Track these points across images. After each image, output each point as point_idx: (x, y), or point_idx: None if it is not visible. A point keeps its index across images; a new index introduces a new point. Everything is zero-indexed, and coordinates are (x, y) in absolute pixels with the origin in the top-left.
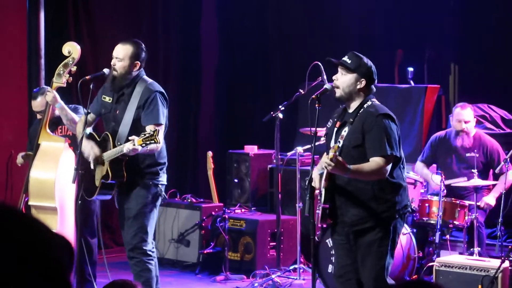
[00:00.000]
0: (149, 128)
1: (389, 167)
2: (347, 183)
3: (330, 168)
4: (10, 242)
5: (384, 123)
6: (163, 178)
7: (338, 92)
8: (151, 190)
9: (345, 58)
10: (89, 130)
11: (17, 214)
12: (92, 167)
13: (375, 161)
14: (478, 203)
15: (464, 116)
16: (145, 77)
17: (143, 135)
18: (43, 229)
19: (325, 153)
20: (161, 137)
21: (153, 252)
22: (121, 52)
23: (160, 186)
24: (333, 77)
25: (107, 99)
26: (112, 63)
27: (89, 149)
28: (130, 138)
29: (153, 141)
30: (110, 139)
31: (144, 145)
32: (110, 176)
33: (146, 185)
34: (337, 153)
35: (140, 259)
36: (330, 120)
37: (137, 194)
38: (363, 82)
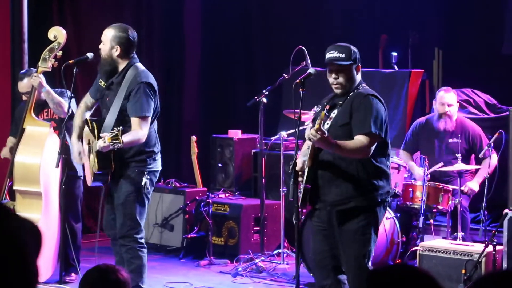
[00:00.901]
0: (134, 122)
1: (373, 146)
2: (332, 163)
3: (315, 139)
4: None
5: (372, 102)
6: (153, 165)
7: (341, 88)
8: (136, 178)
9: (336, 54)
10: (88, 114)
11: None
12: (91, 155)
13: (358, 139)
14: (461, 188)
15: (447, 100)
16: (138, 64)
17: (110, 133)
18: (8, 214)
19: (309, 126)
20: (145, 128)
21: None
22: (104, 36)
23: (146, 173)
24: (332, 77)
25: (102, 83)
26: (100, 46)
27: (76, 153)
28: (101, 135)
29: (117, 141)
30: (96, 129)
31: (111, 144)
32: (97, 167)
33: (131, 173)
34: (323, 123)
35: (131, 247)
36: (319, 105)
37: (122, 183)
38: (359, 68)
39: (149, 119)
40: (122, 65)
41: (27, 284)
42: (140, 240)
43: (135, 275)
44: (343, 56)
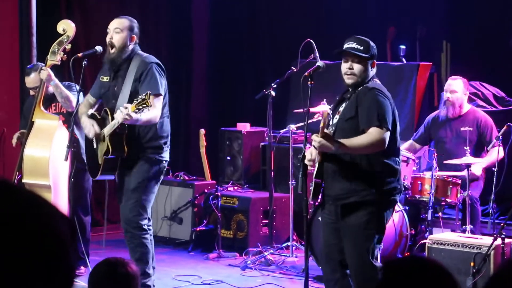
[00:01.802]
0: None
1: (386, 137)
2: (336, 157)
3: (318, 145)
4: (14, 217)
5: (377, 96)
6: (166, 154)
7: (354, 79)
8: (153, 165)
9: (354, 45)
10: (90, 111)
11: (16, 189)
12: (94, 145)
13: (369, 133)
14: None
15: (450, 86)
16: (140, 51)
17: (135, 100)
18: (44, 203)
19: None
20: (159, 106)
21: (149, 227)
22: (120, 24)
23: (164, 162)
24: (347, 66)
25: (105, 78)
26: (109, 37)
27: (90, 126)
28: (124, 105)
29: (145, 105)
30: (109, 114)
31: (137, 110)
32: (110, 151)
33: (149, 159)
34: (331, 118)
35: (135, 234)
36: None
37: (138, 169)
38: (375, 63)
39: (162, 97)
40: (128, 53)
41: (69, 276)
42: (144, 227)
43: (140, 262)
44: (362, 48)
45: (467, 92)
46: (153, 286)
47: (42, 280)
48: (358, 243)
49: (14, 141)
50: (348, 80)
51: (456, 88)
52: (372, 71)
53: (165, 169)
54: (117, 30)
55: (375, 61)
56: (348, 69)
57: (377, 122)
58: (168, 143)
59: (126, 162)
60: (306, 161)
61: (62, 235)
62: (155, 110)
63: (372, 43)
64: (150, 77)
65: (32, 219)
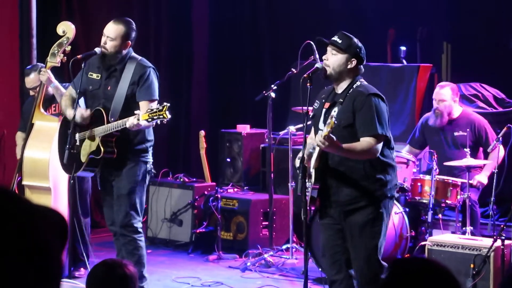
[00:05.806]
0: (145, 105)
1: (380, 146)
2: (339, 162)
3: (324, 146)
4: (4, 220)
5: (374, 102)
6: (150, 156)
7: (328, 71)
8: (141, 168)
9: (336, 38)
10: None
11: (7, 194)
12: (77, 142)
13: (366, 141)
14: (470, 181)
15: (438, 95)
16: (134, 54)
17: (149, 110)
18: (33, 208)
19: (312, 132)
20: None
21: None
22: (113, 32)
23: (149, 163)
24: (323, 57)
25: (94, 75)
26: (102, 41)
27: (79, 115)
28: (135, 112)
29: (161, 117)
30: (104, 114)
31: (150, 120)
32: (102, 152)
33: (136, 162)
34: (331, 130)
35: (132, 238)
36: (317, 101)
37: (128, 173)
38: (354, 62)
39: (157, 102)
40: (120, 58)
41: (50, 282)
42: (139, 230)
43: (138, 265)
44: (340, 42)
45: (457, 98)
46: None
47: (28, 279)
48: (366, 241)
49: (17, 154)
50: (325, 71)
51: (444, 97)
52: (354, 69)
53: (151, 170)
54: (110, 38)
55: (355, 60)
56: (324, 60)
57: (377, 131)
58: (151, 146)
59: (113, 164)
60: (308, 141)
61: (49, 241)
62: None
63: (356, 42)
64: (149, 83)
65: (21, 222)
